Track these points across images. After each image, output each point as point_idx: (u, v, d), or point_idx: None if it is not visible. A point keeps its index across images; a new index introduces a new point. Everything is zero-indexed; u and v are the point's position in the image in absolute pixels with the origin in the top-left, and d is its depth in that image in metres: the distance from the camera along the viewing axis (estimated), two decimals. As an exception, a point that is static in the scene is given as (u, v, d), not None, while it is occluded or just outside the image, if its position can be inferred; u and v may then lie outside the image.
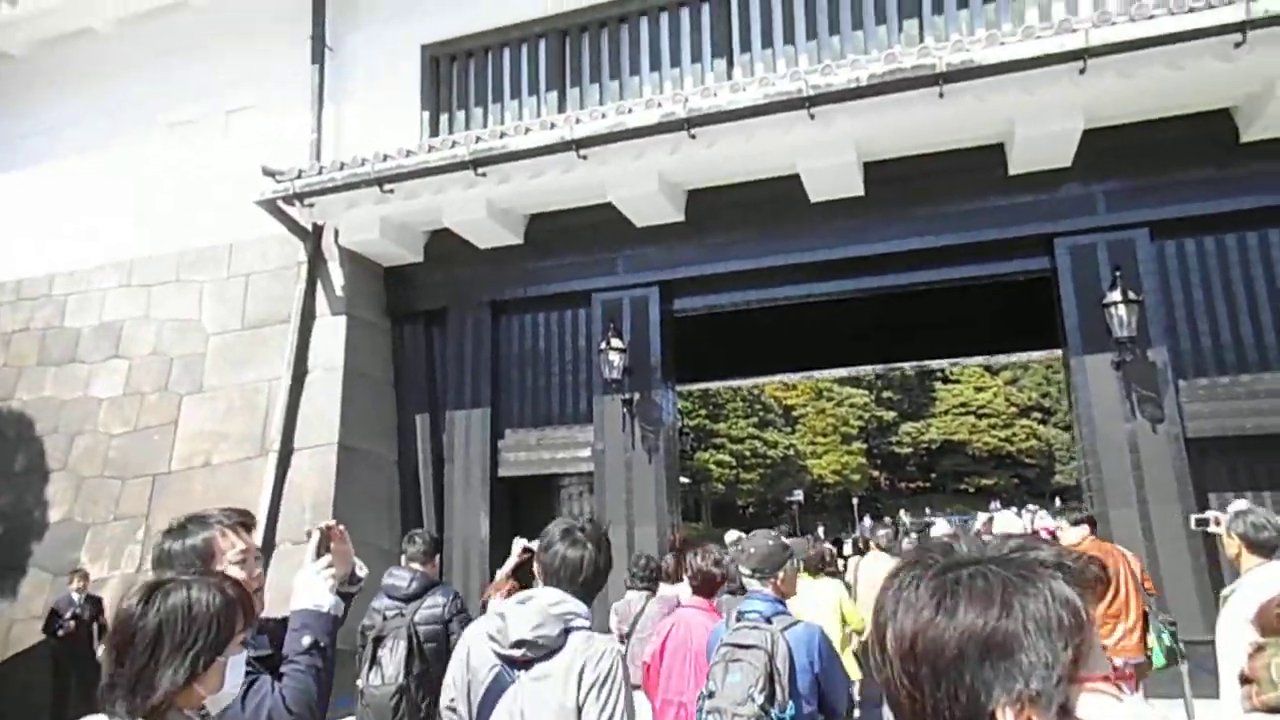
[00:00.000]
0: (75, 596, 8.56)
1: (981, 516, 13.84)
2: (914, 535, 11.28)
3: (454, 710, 2.55)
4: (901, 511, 39.77)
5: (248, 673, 1.97)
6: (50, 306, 10.78)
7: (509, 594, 4.90)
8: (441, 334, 9.66)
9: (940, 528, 9.25)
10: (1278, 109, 6.72)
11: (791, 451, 47.95)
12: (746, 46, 8.79)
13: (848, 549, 14.12)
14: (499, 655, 2.47)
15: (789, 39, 8.64)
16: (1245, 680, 1.88)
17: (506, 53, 9.72)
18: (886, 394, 53.32)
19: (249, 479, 8.79)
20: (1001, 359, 15.98)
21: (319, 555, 2.34)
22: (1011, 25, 7.45)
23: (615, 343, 8.45)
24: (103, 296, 10.51)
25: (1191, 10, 6.02)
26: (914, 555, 1.01)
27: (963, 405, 52.65)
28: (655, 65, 9.08)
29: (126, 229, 10.51)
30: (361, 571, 2.74)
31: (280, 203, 8.65)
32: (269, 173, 8.54)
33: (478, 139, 7.84)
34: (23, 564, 9.48)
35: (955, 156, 7.80)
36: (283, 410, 8.80)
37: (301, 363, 9.04)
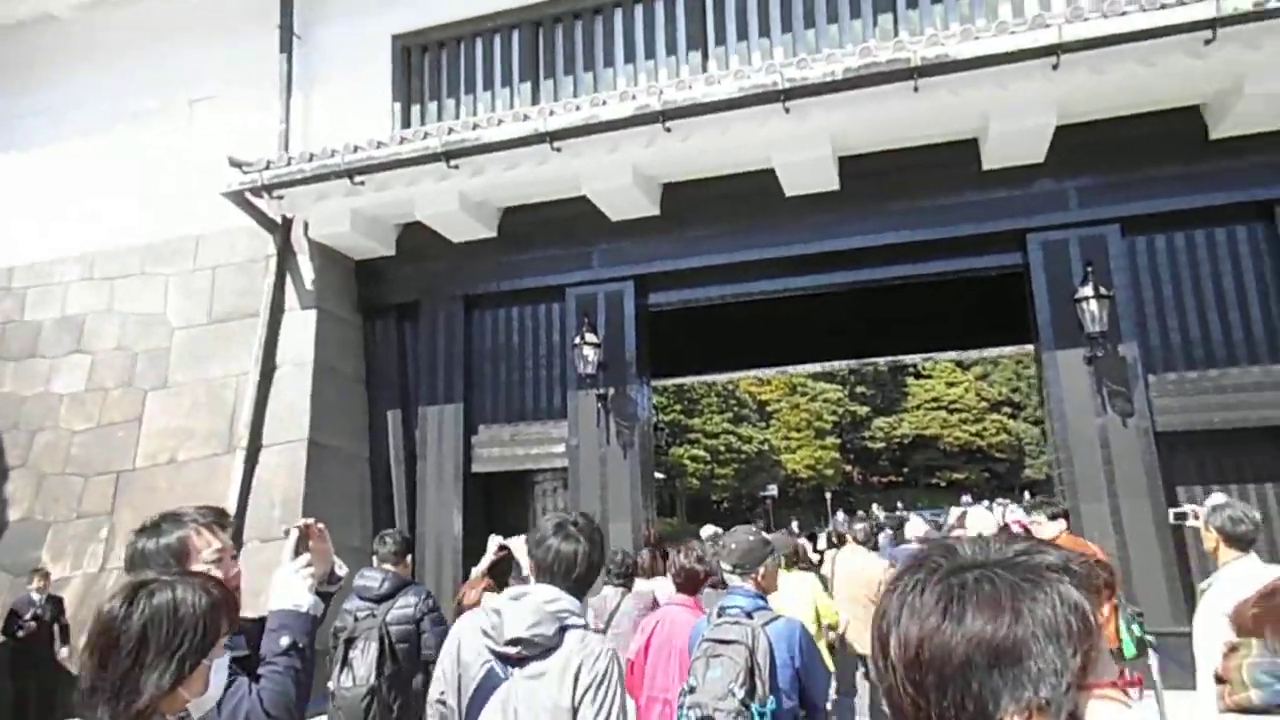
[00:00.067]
0: (35, 597, 8.35)
1: (954, 511, 13.94)
2: (889, 531, 11.34)
3: (443, 703, 2.52)
4: (874, 506, 40.13)
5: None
6: (9, 300, 10.51)
7: (484, 593, 4.87)
8: (414, 328, 9.54)
9: (914, 524, 9.31)
10: (1246, 106, 6.80)
11: (766, 446, 48.20)
12: (721, 39, 8.75)
13: (821, 543, 14.17)
14: (493, 651, 2.44)
15: (764, 32, 8.61)
16: (1220, 680, 1.87)
17: (479, 43, 9.61)
18: (860, 389, 53.76)
19: (216, 476, 8.63)
20: (974, 354, 16.11)
21: (297, 554, 2.30)
22: (985, 20, 7.47)
23: (590, 337, 8.39)
24: (64, 290, 10.26)
25: (1163, 7, 6.06)
26: (916, 558, 0.97)
27: (934, 400, 53.22)
28: (630, 58, 9.02)
29: (88, 220, 10.26)
30: (341, 570, 2.69)
31: (248, 195, 8.48)
32: (236, 164, 8.37)
33: (450, 130, 7.74)
34: (-19, 564, 9.25)
35: (930, 151, 7.82)
36: (251, 406, 8.64)
37: (270, 358, 8.89)
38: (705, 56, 8.71)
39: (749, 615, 3.20)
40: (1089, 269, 7.28)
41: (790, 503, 48.55)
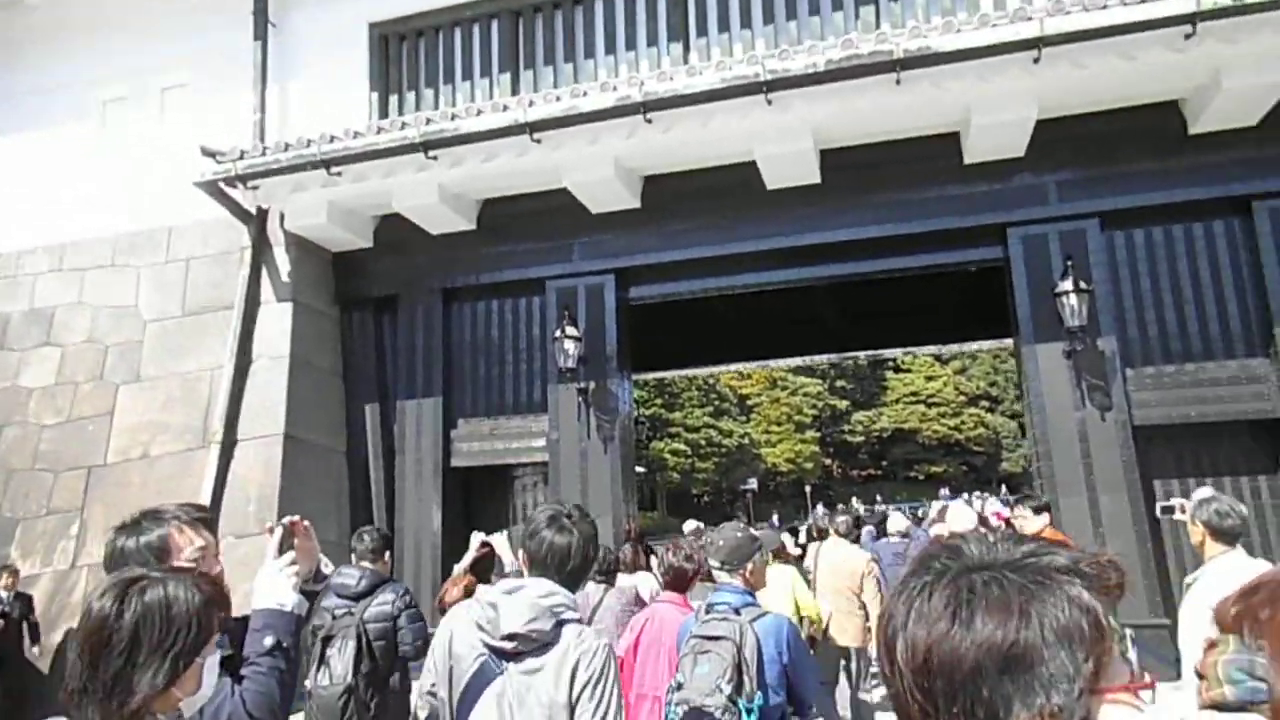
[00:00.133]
0: (4, 594, 8.18)
1: (935, 506, 14.02)
2: (872, 528, 11.38)
3: (434, 695, 2.51)
4: (853, 499, 40.32)
5: None
6: (-24, 292, 10.28)
7: (467, 590, 4.83)
8: (392, 322, 9.43)
9: (896, 520, 9.36)
10: (1224, 102, 6.84)
11: (746, 440, 48.38)
12: (703, 31, 8.69)
13: (802, 537, 14.20)
14: (488, 646, 2.41)
15: (745, 23, 8.56)
16: (1200, 675, 1.87)
17: (458, 33, 9.48)
18: (840, 383, 54.05)
19: (190, 471, 8.49)
20: (953, 348, 16.21)
21: (281, 552, 2.26)
22: (967, 13, 7.45)
23: (570, 331, 8.32)
24: (33, 281, 10.05)
25: (1144, 1, 6.07)
26: (921, 560, 0.95)
27: (913, 394, 53.63)
28: (610, 48, 8.94)
29: (57, 211, 10.05)
30: (327, 568, 2.67)
31: (222, 185, 8.33)
32: (209, 153, 8.22)
33: (428, 121, 7.63)
34: (-52, 561, 9.05)
35: (911, 145, 7.81)
36: (225, 400, 8.51)
37: (245, 351, 8.75)
38: (686, 48, 8.65)
39: (737, 612, 3.21)
40: (1069, 263, 7.31)
41: (770, 496, 48.77)
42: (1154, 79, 6.95)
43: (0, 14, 10.56)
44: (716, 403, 47.85)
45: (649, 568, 6.94)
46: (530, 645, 2.37)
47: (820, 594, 6.87)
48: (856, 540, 8.03)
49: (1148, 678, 0.94)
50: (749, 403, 51.54)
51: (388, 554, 5.22)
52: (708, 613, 3.28)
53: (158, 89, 10.01)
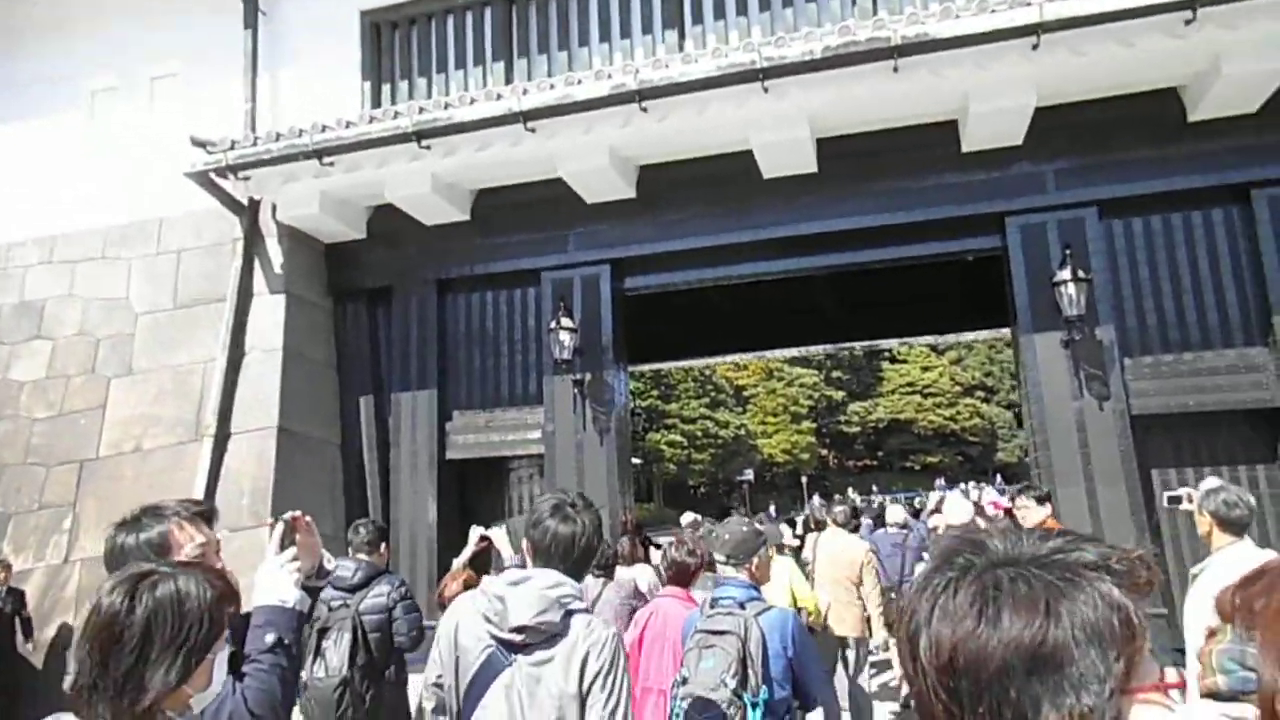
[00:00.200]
0: (-4, 590, 8.13)
1: (933, 497, 14.02)
2: (869, 521, 11.35)
3: (439, 686, 2.50)
4: (849, 489, 40.42)
5: None
6: (-35, 285, 10.18)
7: (466, 584, 4.81)
8: (386, 313, 9.36)
9: (894, 511, 9.34)
10: (1223, 88, 6.78)
11: (742, 431, 48.40)
12: (698, 18, 8.61)
13: (799, 528, 14.20)
14: (495, 638, 2.40)
15: (741, 10, 8.49)
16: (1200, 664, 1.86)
17: (451, 20, 9.38)
18: (836, 374, 54.12)
19: (183, 465, 8.43)
20: (950, 338, 16.20)
21: (283, 547, 2.24)
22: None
23: (565, 322, 8.26)
24: (23, 274, 9.96)
25: (1144, -14, 6.01)
26: (944, 555, 0.92)
27: (909, 385, 53.71)
28: (605, 36, 8.85)
29: (47, 202, 9.95)
30: (329, 564, 2.64)
31: (213, 175, 8.24)
32: (199, 143, 8.13)
33: (421, 110, 7.55)
34: (-61, 557, 8.98)
35: (908, 133, 7.75)
36: (218, 393, 8.44)
37: (238, 343, 8.68)
38: (682, 35, 8.57)
39: (742, 606, 3.21)
40: (1067, 252, 7.27)
41: (766, 487, 48.84)
42: (1153, 66, 6.89)
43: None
44: (713, 394, 47.85)
45: (647, 560, 6.92)
46: (539, 637, 2.36)
47: (819, 584, 6.86)
48: (855, 530, 8.01)
49: (1172, 675, 0.91)
50: (745, 394, 51.56)
51: (384, 546, 5.22)
52: (712, 607, 3.28)
53: (147, 79, 9.90)
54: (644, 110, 7.16)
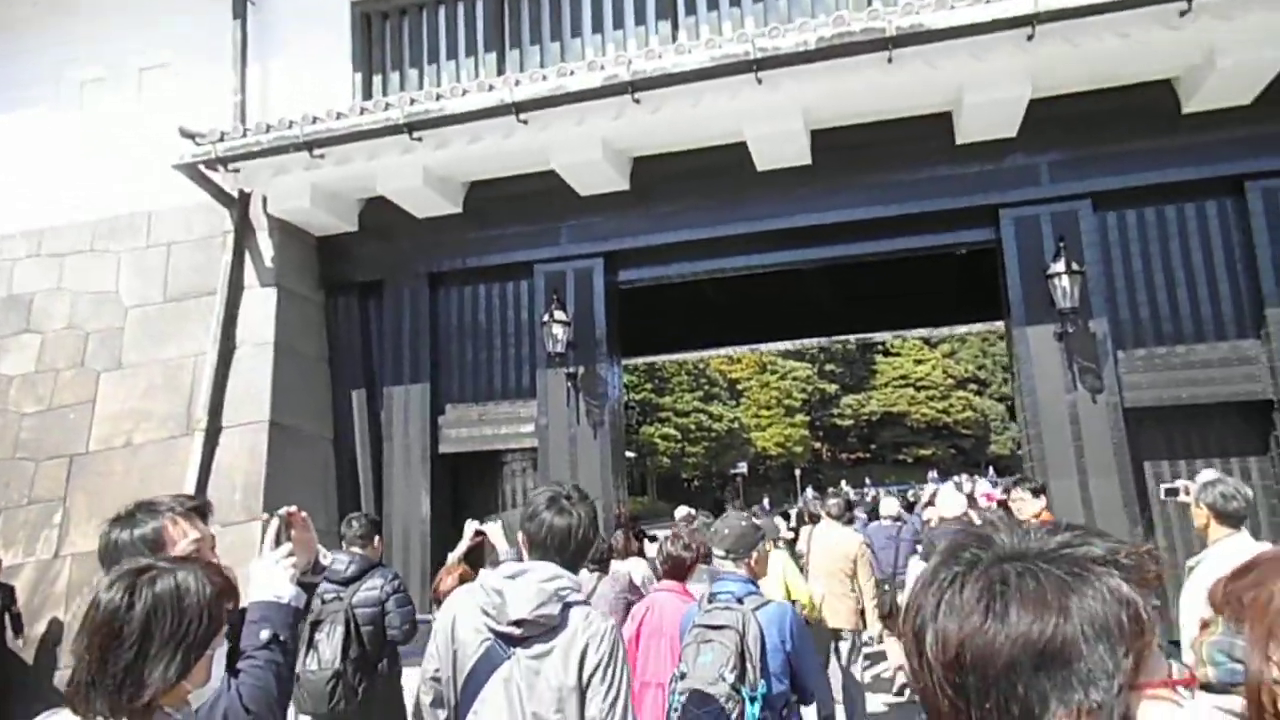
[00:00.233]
0: (-14, 585, 8.07)
1: (927, 490, 14.03)
2: (864, 516, 11.36)
3: (437, 680, 2.49)
4: (843, 482, 40.48)
5: None
6: (-47, 278, 10.08)
7: (461, 579, 4.79)
8: (378, 307, 9.31)
9: (888, 504, 9.35)
10: (1218, 80, 6.77)
11: (736, 424, 48.44)
12: (691, 9, 8.56)
13: (793, 521, 14.21)
14: (494, 631, 2.39)
15: (735, 1, 8.43)
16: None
17: (442, 11, 9.31)
18: (829, 367, 54.17)
19: (174, 459, 8.38)
20: (944, 331, 16.20)
21: (278, 543, 2.23)
22: (960, -9, 7.35)
23: (559, 315, 8.23)
24: (11, 267, 9.87)
25: (1139, -24, 5.99)
26: (950, 550, 0.91)
27: (902, 378, 53.83)
28: (598, 27, 8.80)
29: (35, 195, 9.86)
30: (325, 559, 2.61)
31: (202, 167, 8.17)
32: (187, 134, 8.05)
33: (412, 101, 7.49)
34: (-72, 552, 8.92)
35: (903, 125, 7.72)
36: (209, 387, 8.39)
37: (229, 337, 8.62)
38: (675, 26, 8.52)
39: (740, 600, 3.22)
40: (1061, 244, 7.26)
41: (760, 480, 48.93)
42: (1148, 57, 6.88)
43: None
44: (706, 387, 47.87)
45: (641, 553, 6.90)
46: (537, 630, 2.36)
47: (813, 576, 6.86)
48: (850, 523, 8.01)
49: (1176, 671, 0.90)
50: (739, 387, 51.59)
51: (378, 539, 5.22)
52: (710, 602, 3.28)
53: (135, 69, 9.80)
54: (637, 102, 7.12)
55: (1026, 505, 5.49)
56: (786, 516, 14.69)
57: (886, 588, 7.92)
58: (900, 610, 7.80)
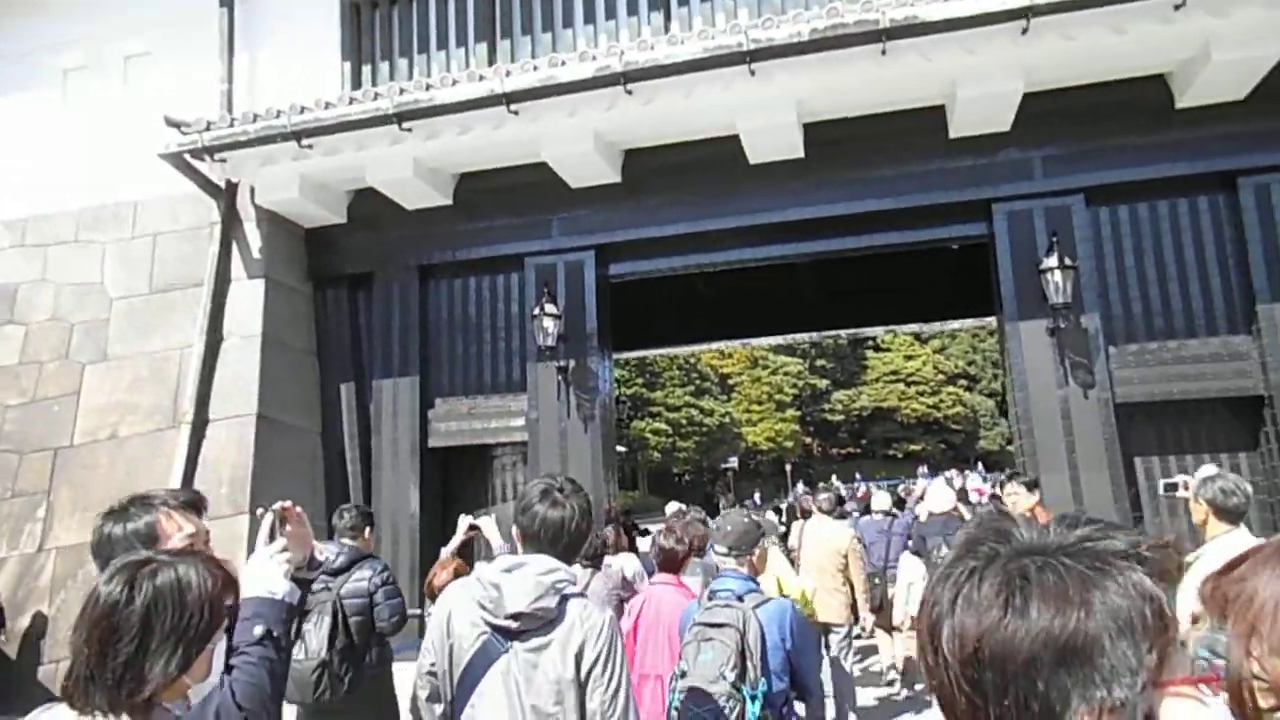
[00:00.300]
0: (-32, 580, 7.98)
1: (919, 485, 14.05)
2: (857, 514, 11.36)
3: (433, 674, 2.48)
4: (833, 477, 40.57)
5: None
6: (-65, 269, 9.95)
7: (455, 573, 4.76)
8: (367, 299, 9.23)
9: (880, 498, 9.34)
10: (1211, 75, 6.76)
11: (727, 419, 48.45)
12: (684, 0, 8.50)
13: (784, 516, 14.21)
14: (490, 625, 2.38)
15: (729, -7, 8.38)
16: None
17: (432, 0, 9.22)
18: (820, 362, 54.23)
19: (160, 452, 8.29)
20: (936, 326, 16.21)
21: (272, 538, 2.20)
22: (954, -16, 7.31)
23: (549, 309, 8.18)
24: (-6, 258, 9.74)
25: (1134, -30, 5.96)
26: (966, 544, 0.88)
27: (893, 373, 53.95)
28: (590, 18, 8.72)
29: (18, 185, 9.73)
30: (321, 555, 2.59)
31: (188, 157, 8.08)
32: (173, 124, 7.96)
33: (401, 91, 7.41)
34: (-91, 546, 8.81)
35: (896, 119, 7.69)
36: (195, 380, 8.30)
37: (216, 329, 8.53)
38: (668, 17, 8.46)
39: (740, 598, 3.21)
40: (1054, 239, 7.25)
41: (751, 475, 48.99)
42: (1142, 52, 6.86)
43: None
44: (697, 382, 47.85)
45: (632, 548, 6.87)
46: (535, 623, 2.35)
47: (804, 570, 6.86)
48: (842, 518, 8.00)
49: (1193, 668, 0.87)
50: (730, 382, 51.61)
51: (369, 530, 5.20)
52: (710, 599, 3.27)
53: (120, 57, 9.67)
54: (629, 93, 7.06)
55: (1021, 500, 5.49)
56: (778, 511, 14.70)
57: (877, 581, 7.92)
58: (890, 604, 7.80)
